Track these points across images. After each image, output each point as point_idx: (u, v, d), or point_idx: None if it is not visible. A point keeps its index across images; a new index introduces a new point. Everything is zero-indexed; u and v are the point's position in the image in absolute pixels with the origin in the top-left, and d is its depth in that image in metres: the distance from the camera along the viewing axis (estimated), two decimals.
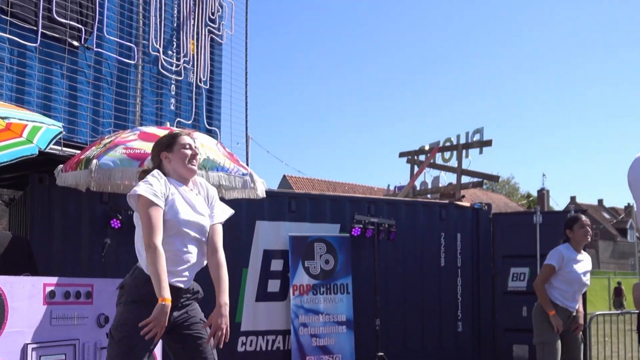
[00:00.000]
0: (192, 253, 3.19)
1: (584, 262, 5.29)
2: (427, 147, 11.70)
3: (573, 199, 54.14)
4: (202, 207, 3.29)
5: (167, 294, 2.91)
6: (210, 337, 3.09)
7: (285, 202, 8.00)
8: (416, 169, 11.65)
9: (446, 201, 9.87)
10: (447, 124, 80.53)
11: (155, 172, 3.23)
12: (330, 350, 7.77)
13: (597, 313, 10.91)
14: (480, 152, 11.07)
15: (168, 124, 6.78)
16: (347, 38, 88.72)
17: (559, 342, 5.20)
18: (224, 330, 3.07)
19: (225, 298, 3.12)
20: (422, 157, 11.76)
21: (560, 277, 5.22)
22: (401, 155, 12.10)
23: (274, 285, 7.75)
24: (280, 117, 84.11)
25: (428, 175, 11.61)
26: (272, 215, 7.83)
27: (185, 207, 3.19)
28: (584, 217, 5.35)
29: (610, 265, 48.27)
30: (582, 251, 5.38)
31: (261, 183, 5.97)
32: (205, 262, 3.26)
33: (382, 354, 7.84)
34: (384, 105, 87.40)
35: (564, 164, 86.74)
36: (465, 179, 11.16)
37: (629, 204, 55.63)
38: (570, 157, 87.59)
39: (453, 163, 11.24)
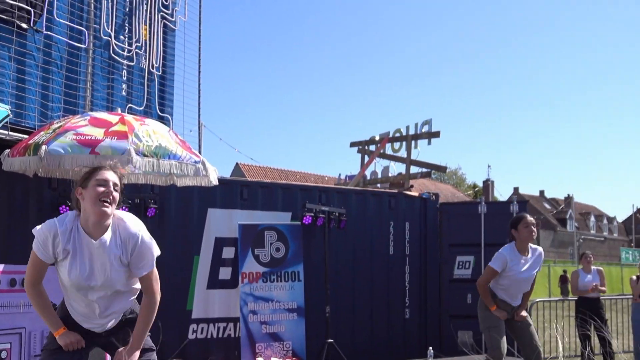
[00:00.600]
0: (94, 308, 3.02)
1: (529, 263, 5.41)
2: (377, 138, 11.87)
3: (516, 189, 55.57)
4: (105, 265, 2.95)
5: (57, 327, 2.97)
6: None
7: (237, 190, 8.02)
8: (366, 158, 11.80)
9: (395, 191, 10.05)
10: (397, 114, 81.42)
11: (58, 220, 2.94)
12: (280, 337, 7.85)
13: (538, 300, 11.32)
14: (429, 143, 11.29)
15: (119, 109, 6.71)
16: (300, 27, 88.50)
17: (503, 323, 5.41)
18: None
19: (135, 344, 3.02)
20: (372, 147, 11.92)
21: (504, 278, 5.41)
22: (352, 145, 12.24)
23: (225, 273, 7.78)
24: (234, 105, 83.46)
25: (378, 165, 11.80)
26: (224, 203, 7.84)
27: (77, 270, 2.92)
28: (528, 217, 5.47)
29: (551, 253, 49.82)
30: (531, 246, 5.50)
31: (213, 171, 5.98)
32: (122, 302, 3.09)
33: (331, 340, 7.97)
34: (335, 95, 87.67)
35: (508, 156, 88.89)
36: (414, 169, 11.38)
37: (568, 194, 57.47)
38: (514, 150, 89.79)
39: (402, 153, 11.44)
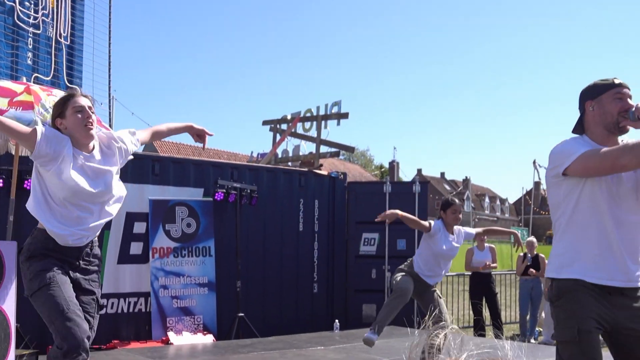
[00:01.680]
0: (91, 211, 3.17)
1: (453, 242, 5.86)
2: (289, 117, 12.02)
3: (419, 171, 57.46)
4: (100, 172, 3.17)
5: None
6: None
7: (148, 165, 7.95)
8: (278, 137, 11.94)
9: (305, 169, 10.27)
10: (308, 94, 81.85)
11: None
12: (191, 312, 7.92)
13: None
14: (338, 124, 11.58)
15: (24, 78, 6.51)
16: (216, 3, 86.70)
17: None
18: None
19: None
20: (284, 126, 12.07)
21: (427, 248, 5.82)
22: (264, 123, 12.33)
23: (136, 248, 7.73)
24: (147, 79, 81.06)
25: (289, 144, 11.98)
26: (135, 178, 7.75)
27: (76, 175, 3.10)
28: (457, 203, 5.96)
29: None
30: (454, 229, 5.93)
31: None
32: (107, 214, 3.26)
33: (242, 314, 8.13)
34: (249, 73, 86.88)
35: (413, 139, 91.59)
36: (323, 149, 11.64)
37: (466, 177, 60.03)
38: (418, 133, 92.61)
39: (313, 133, 11.66)
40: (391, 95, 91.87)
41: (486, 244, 9.95)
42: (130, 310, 7.66)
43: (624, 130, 3.02)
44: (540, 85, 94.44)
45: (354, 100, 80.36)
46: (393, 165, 46.85)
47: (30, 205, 3.16)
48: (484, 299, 9.75)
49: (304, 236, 9.49)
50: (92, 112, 3.16)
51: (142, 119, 53.85)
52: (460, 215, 5.95)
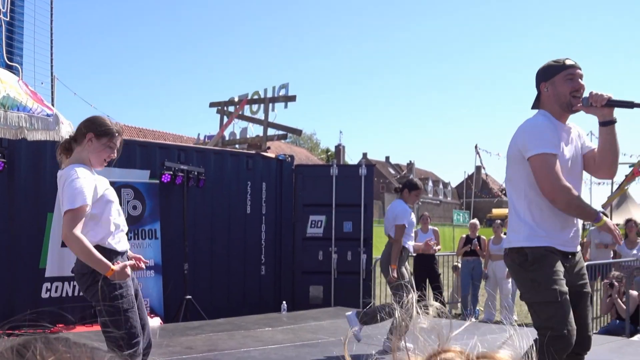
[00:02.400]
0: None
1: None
2: (236, 99, 11.93)
3: (365, 155, 57.91)
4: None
5: (108, 265, 3.34)
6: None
7: None
8: (225, 119, 11.86)
9: (253, 152, 10.26)
10: (255, 77, 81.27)
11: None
12: None
13: (379, 257, 12.13)
14: (285, 107, 11.56)
15: None
16: None
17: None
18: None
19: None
20: (231, 109, 11.98)
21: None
22: (211, 105, 12.21)
23: None
24: (90, 59, 78.79)
25: (237, 127, 11.90)
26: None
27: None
28: (421, 187, 6.46)
29: None
30: None
31: (67, 125, 5.81)
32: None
33: (189, 297, 8.11)
34: (195, 55, 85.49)
35: (359, 124, 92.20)
36: (271, 132, 11.62)
37: (410, 161, 60.90)
38: (364, 117, 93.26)
39: (260, 116, 11.61)
40: (338, 79, 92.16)
41: (430, 227, 10.19)
42: (76, 293, 7.53)
43: (575, 112, 3.26)
44: (482, 70, 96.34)
45: (302, 84, 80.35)
46: (339, 149, 47.15)
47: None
48: (427, 280, 10.01)
49: (252, 219, 9.51)
50: (117, 151, 3.51)
51: (85, 99, 52.29)
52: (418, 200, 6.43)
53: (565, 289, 3.16)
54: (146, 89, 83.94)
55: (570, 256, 3.31)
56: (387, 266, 6.17)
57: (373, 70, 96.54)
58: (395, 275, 5.94)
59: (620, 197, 20.27)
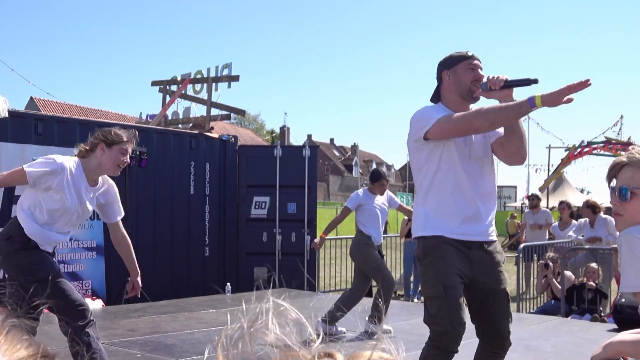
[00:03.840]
0: (69, 228, 3.87)
1: (381, 202, 6.47)
2: (179, 78, 11.71)
3: (310, 136, 57.95)
4: (88, 202, 3.79)
5: None
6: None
7: (30, 124, 7.53)
8: (168, 98, 11.63)
9: (196, 132, 10.12)
10: (198, 56, 79.87)
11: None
12: (79, 277, 7.67)
13: (325, 238, 12.21)
14: (229, 87, 11.41)
15: None
16: None
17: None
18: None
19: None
20: (174, 88, 11.76)
21: (361, 212, 6.37)
22: (153, 84, 11.94)
23: None
24: (29, 36, 75.78)
25: (180, 106, 11.69)
26: (15, 137, 7.33)
27: (73, 199, 3.68)
28: (386, 177, 6.65)
29: (338, 197, 53.15)
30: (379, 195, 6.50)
31: (3, 101, 5.63)
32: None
33: None
34: (137, 32, 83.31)
35: (303, 105, 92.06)
36: (214, 112, 11.46)
37: (354, 143, 61.33)
38: (308, 99, 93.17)
39: (203, 95, 11.43)
40: (282, 60, 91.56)
41: None
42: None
43: (476, 99, 3.29)
44: (424, 53, 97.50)
45: (246, 65, 79.61)
46: (284, 130, 47.05)
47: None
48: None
49: (195, 199, 9.41)
50: (128, 160, 3.77)
51: (23, 75, 50.56)
52: (386, 188, 6.59)
53: (455, 282, 3.07)
54: (87, 67, 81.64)
55: (475, 245, 3.17)
56: (356, 253, 6.39)
57: (318, 51, 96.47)
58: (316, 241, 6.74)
59: (556, 180, 20.95)
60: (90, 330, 3.62)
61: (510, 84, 3.11)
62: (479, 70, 3.28)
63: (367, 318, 6.12)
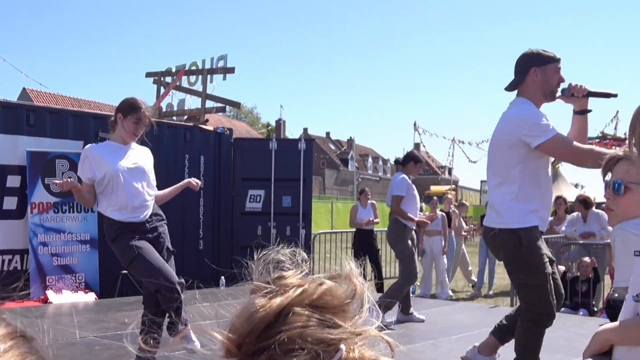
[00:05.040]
0: (142, 191, 4.10)
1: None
2: (173, 69, 11.63)
3: (305, 130, 57.81)
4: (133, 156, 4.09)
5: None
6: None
7: (22, 115, 7.47)
8: (162, 90, 11.56)
9: (191, 124, 10.06)
10: (193, 47, 79.57)
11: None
12: (72, 270, 7.62)
13: (320, 232, 12.21)
14: (224, 79, 11.33)
15: None
16: None
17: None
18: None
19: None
20: (168, 79, 11.68)
21: (407, 200, 6.30)
22: (147, 75, 11.85)
23: (10, 203, 7.28)
24: (21, 26, 75.38)
25: (174, 98, 11.61)
26: (7, 128, 7.27)
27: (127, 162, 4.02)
28: (422, 159, 6.67)
29: (334, 191, 53.08)
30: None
31: None
32: (152, 195, 4.23)
33: (125, 272, 7.92)
34: (131, 23, 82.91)
35: (299, 98, 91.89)
36: (209, 104, 11.39)
37: (350, 137, 61.23)
38: (304, 92, 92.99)
39: (198, 87, 11.36)
40: (278, 53, 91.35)
41: (369, 201, 10.27)
42: (5, 268, 7.26)
43: (553, 100, 3.54)
44: (422, 50, 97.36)
45: (241, 56, 79.43)
46: (280, 123, 46.89)
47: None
48: (366, 255, 10.10)
49: (190, 192, 9.28)
50: (145, 125, 4.05)
51: (16, 66, 50.21)
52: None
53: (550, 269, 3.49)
54: (80, 58, 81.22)
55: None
56: (394, 240, 6.34)
57: (314, 44, 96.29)
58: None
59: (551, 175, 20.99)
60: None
61: (591, 94, 3.40)
62: (561, 73, 3.52)
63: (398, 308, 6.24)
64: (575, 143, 3.38)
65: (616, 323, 1.78)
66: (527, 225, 3.46)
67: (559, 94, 3.50)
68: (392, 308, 6.14)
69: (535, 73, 3.47)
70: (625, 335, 1.74)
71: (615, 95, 3.37)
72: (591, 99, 3.46)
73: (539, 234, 3.48)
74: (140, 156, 4.14)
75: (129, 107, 4.00)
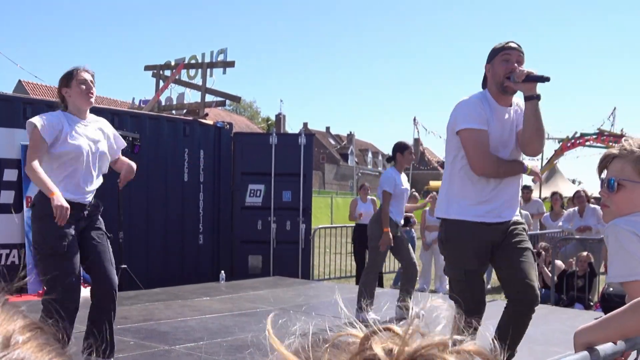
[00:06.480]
0: (91, 171, 3.86)
1: (405, 181, 6.34)
2: (172, 63, 11.56)
3: (305, 124, 57.78)
4: (95, 135, 3.90)
5: (54, 189, 3.56)
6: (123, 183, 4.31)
7: (19, 108, 7.39)
8: (161, 84, 11.49)
9: (190, 118, 10.01)
10: (192, 41, 79.42)
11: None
12: None
13: (320, 227, 12.18)
14: (224, 73, 11.26)
15: None
16: None
17: None
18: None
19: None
20: (167, 73, 11.61)
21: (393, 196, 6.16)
22: (146, 68, 11.78)
23: (7, 197, 7.22)
24: (17, 18, 75.19)
25: (174, 92, 11.54)
26: (4, 121, 7.21)
27: (83, 139, 3.79)
28: (411, 146, 6.46)
29: (333, 186, 53.08)
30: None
31: None
32: (100, 181, 4.03)
33: (125, 266, 7.88)
34: (129, 15, 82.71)
35: (299, 93, 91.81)
36: (209, 98, 11.33)
37: (350, 132, 61.21)
38: (304, 86, 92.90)
39: (198, 81, 11.29)
40: (278, 47, 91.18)
41: (368, 196, 10.23)
42: (3, 262, 7.22)
43: (508, 90, 3.41)
44: (422, 45, 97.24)
45: (241, 50, 79.33)
46: (279, 118, 46.79)
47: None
48: (366, 250, 10.06)
49: (189, 186, 9.30)
50: (93, 85, 3.84)
51: (11, 58, 50.14)
52: (413, 158, 6.53)
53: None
54: (78, 51, 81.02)
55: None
56: (372, 231, 6.30)
57: (314, 39, 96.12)
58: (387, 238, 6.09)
59: (549, 171, 21.00)
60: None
61: (530, 79, 3.27)
62: (516, 62, 3.35)
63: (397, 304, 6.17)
64: (483, 149, 3.32)
65: (592, 322, 1.79)
66: (451, 217, 3.44)
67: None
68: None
69: (488, 70, 3.46)
70: (602, 336, 1.75)
71: (548, 79, 3.26)
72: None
73: (467, 228, 3.37)
74: (99, 132, 3.99)
75: (66, 75, 3.82)
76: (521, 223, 3.59)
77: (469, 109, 3.38)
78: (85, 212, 3.87)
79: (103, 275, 3.84)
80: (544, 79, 3.26)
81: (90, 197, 3.91)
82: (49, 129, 3.67)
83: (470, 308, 3.18)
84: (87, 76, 3.81)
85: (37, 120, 3.66)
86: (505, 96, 3.42)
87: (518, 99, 3.55)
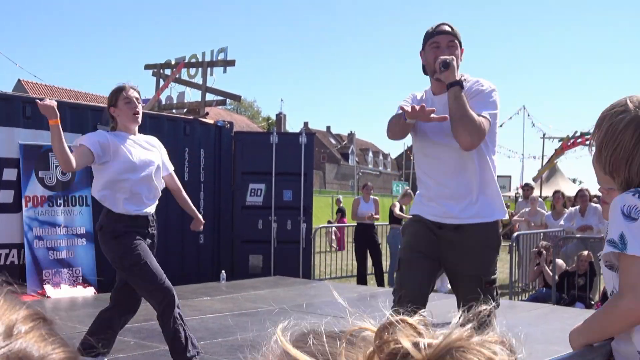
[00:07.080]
0: (150, 182, 3.94)
1: None
2: (173, 62, 11.53)
3: (306, 124, 57.79)
4: (148, 149, 3.99)
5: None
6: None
7: (19, 107, 7.37)
8: (162, 82, 11.46)
9: (191, 117, 9.98)
10: (193, 39, 79.48)
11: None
12: (69, 264, 7.54)
13: (321, 226, 12.16)
14: (224, 72, 11.23)
15: None
16: None
17: None
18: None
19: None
20: (167, 72, 11.58)
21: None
22: (146, 67, 11.75)
23: (6, 196, 7.20)
24: (16, 17, 75.18)
25: (174, 90, 11.52)
26: (4, 120, 7.18)
27: (135, 153, 3.85)
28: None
29: (334, 185, 53.10)
30: None
31: None
32: (159, 194, 4.10)
33: None
34: (130, 14, 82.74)
35: (300, 92, 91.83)
36: (209, 97, 11.30)
37: (351, 131, 61.20)
38: (305, 86, 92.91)
39: (198, 80, 11.26)
40: (279, 46, 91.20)
41: (370, 196, 10.21)
42: (2, 262, 7.19)
43: (440, 80, 3.13)
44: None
45: (241, 49, 79.33)
46: (280, 117, 46.77)
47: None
48: (367, 249, 10.05)
49: (190, 186, 9.22)
50: (139, 103, 3.90)
51: (10, 58, 50.15)
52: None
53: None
54: (77, 50, 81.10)
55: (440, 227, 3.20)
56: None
57: (315, 38, 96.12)
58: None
59: (549, 170, 20.99)
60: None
61: (444, 65, 3.03)
62: (446, 48, 3.14)
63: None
64: (390, 122, 3.31)
65: (582, 324, 1.78)
66: (411, 213, 3.41)
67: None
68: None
69: (422, 57, 3.25)
70: (593, 335, 1.74)
71: (447, 65, 2.99)
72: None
73: (416, 224, 3.24)
74: (151, 147, 4.07)
75: (113, 94, 3.89)
76: None
77: (410, 94, 3.39)
78: (150, 229, 4.02)
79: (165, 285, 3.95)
80: (447, 63, 3.01)
81: (152, 210, 4.04)
82: (96, 143, 3.75)
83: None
84: (133, 94, 3.89)
85: (82, 139, 3.81)
86: (443, 87, 3.14)
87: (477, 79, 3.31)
